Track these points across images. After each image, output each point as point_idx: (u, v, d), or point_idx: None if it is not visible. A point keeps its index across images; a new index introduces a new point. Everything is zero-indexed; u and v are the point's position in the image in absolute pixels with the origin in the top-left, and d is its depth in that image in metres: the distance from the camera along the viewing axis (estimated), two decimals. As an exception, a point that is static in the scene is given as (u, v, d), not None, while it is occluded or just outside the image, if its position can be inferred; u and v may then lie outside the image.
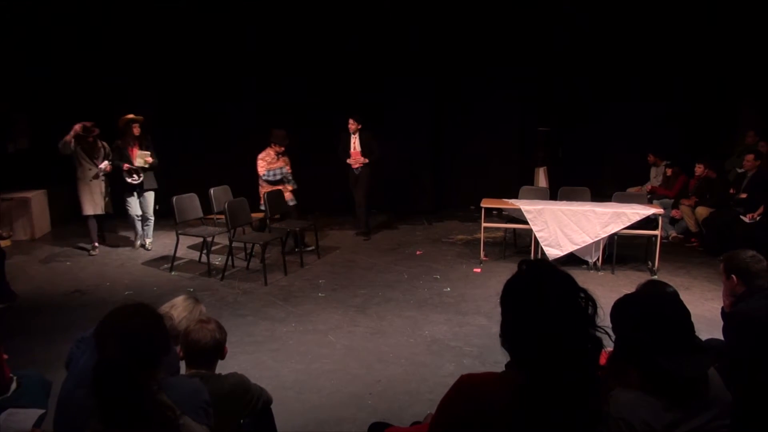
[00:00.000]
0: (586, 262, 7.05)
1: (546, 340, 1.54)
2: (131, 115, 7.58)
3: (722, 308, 3.48)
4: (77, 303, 6.07)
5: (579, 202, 7.34)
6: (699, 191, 8.23)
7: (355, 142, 8.32)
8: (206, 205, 7.56)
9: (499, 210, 7.85)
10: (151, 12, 9.02)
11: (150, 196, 7.82)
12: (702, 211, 7.94)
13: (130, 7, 9.00)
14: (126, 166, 7.49)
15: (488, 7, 9.39)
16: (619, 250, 7.08)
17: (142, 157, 7.54)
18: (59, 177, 8.45)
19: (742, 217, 7.44)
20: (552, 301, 1.58)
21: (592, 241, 6.85)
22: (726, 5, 8.69)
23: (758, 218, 7.31)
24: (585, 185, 7.93)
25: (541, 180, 9.74)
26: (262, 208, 7.52)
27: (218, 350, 2.65)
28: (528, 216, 6.96)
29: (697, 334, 2.06)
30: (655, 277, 6.54)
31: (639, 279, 5.43)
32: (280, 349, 4.93)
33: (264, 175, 7.64)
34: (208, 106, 9.65)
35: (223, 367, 2.73)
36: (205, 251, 7.23)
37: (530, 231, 7.03)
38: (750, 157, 7.84)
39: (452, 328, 5.35)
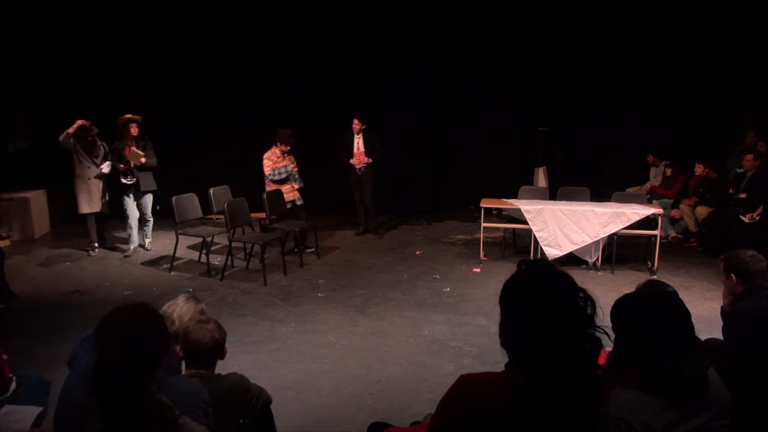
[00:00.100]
0: (586, 262, 7.06)
1: (545, 339, 1.54)
2: (129, 115, 7.53)
3: (722, 308, 3.48)
4: (77, 303, 6.07)
5: (578, 202, 7.34)
6: (699, 191, 8.24)
7: (358, 142, 8.33)
8: (206, 205, 7.56)
9: (499, 210, 7.85)
10: (151, 12, 9.02)
11: (148, 198, 7.76)
12: (702, 211, 7.95)
13: (130, 7, 9.00)
14: (121, 166, 7.45)
15: (488, 7, 9.39)
16: (619, 250, 7.09)
17: (134, 158, 7.45)
18: (58, 177, 8.45)
19: (741, 217, 7.45)
20: (551, 300, 1.58)
21: (591, 241, 6.85)
22: (726, 5, 8.69)
23: (758, 218, 7.31)
24: (584, 185, 7.93)
25: (541, 180, 9.74)
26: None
27: (218, 350, 2.65)
28: (527, 216, 6.96)
29: (696, 334, 2.06)
30: (655, 277, 6.54)
31: (638, 279, 5.43)
32: (280, 349, 4.93)
33: (269, 174, 7.63)
34: (208, 106, 9.66)
35: (222, 367, 2.73)
36: (204, 251, 7.23)
37: (530, 231, 7.03)
38: (749, 157, 7.84)
39: (452, 328, 5.35)
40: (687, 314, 2.01)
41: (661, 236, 6.99)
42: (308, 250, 7.77)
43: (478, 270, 7.09)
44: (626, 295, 2.15)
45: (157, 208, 8.35)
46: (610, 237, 6.90)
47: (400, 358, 4.77)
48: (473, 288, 6.44)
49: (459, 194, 10.27)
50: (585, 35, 9.40)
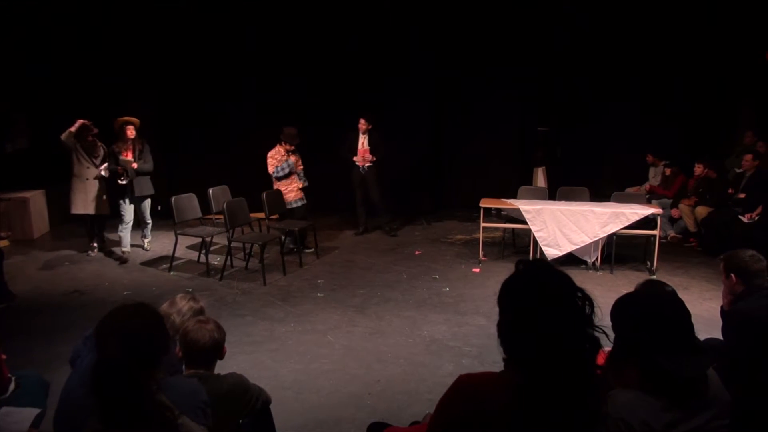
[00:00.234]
0: (585, 262, 7.06)
1: (544, 339, 1.55)
2: (125, 117, 7.44)
3: (721, 307, 3.49)
4: (76, 303, 6.07)
5: (578, 202, 7.34)
6: (698, 191, 8.24)
7: (363, 142, 8.37)
8: (205, 205, 7.55)
9: (498, 210, 7.86)
10: (151, 12, 9.01)
11: (146, 203, 7.71)
12: (701, 211, 7.95)
13: (130, 7, 8.99)
14: (119, 168, 7.35)
15: (488, 7, 9.40)
16: (618, 250, 7.09)
17: (125, 164, 7.35)
18: (58, 177, 8.44)
19: (740, 217, 7.45)
20: (549, 300, 1.58)
21: (590, 240, 6.85)
22: (726, 5, 8.69)
23: (757, 218, 7.31)
24: (584, 185, 7.93)
25: (540, 180, 9.75)
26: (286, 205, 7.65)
27: (217, 350, 2.65)
28: (527, 216, 6.96)
29: (695, 333, 2.06)
30: (654, 276, 6.54)
31: (638, 279, 5.43)
32: (279, 349, 4.93)
33: (274, 172, 7.62)
34: (207, 106, 9.66)
35: (221, 367, 2.73)
36: (203, 251, 7.23)
37: (529, 231, 7.03)
38: (749, 157, 7.85)
39: (451, 328, 5.35)
40: (687, 314, 2.01)
41: (660, 236, 6.99)
42: (308, 250, 7.77)
43: (478, 270, 7.09)
44: (626, 295, 2.15)
45: (159, 208, 8.34)
46: (610, 237, 6.90)
47: (399, 358, 4.77)
48: (472, 288, 6.44)
49: (459, 194, 10.27)
50: (585, 35, 9.40)
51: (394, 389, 4.27)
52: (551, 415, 1.53)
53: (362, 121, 8.29)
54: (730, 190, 8.05)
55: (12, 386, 2.95)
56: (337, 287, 6.50)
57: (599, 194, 8.10)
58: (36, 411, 2.83)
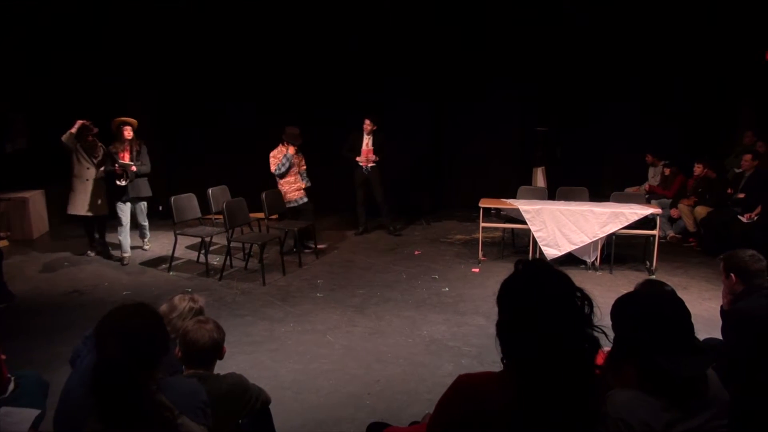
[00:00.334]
0: (585, 262, 7.06)
1: (543, 339, 1.55)
2: (122, 118, 7.32)
3: (721, 307, 3.49)
4: (75, 303, 6.06)
5: (577, 202, 7.34)
6: (698, 191, 8.24)
7: (368, 142, 8.38)
8: (204, 205, 7.55)
9: (498, 210, 7.86)
10: (150, 12, 9.00)
11: (143, 205, 7.63)
12: (701, 211, 7.95)
13: (130, 7, 8.98)
14: (117, 168, 7.21)
15: (488, 7, 9.40)
16: (617, 250, 7.09)
17: (124, 167, 7.23)
18: (57, 177, 8.43)
19: (739, 217, 7.46)
20: (548, 300, 1.58)
21: (590, 240, 6.85)
22: (726, 5, 8.69)
23: (756, 218, 7.32)
24: (583, 185, 7.93)
25: (539, 180, 9.74)
26: (287, 205, 7.65)
27: (216, 350, 2.65)
28: (526, 216, 6.96)
29: (695, 333, 2.06)
30: (653, 276, 6.55)
31: (637, 279, 5.43)
32: (279, 349, 4.93)
33: (276, 170, 7.58)
34: (207, 106, 9.65)
35: (221, 367, 2.73)
36: (203, 251, 7.23)
37: (528, 231, 7.03)
38: (748, 157, 7.85)
39: (450, 328, 5.35)
40: (687, 314, 2.01)
41: (659, 236, 7.00)
42: (307, 251, 7.77)
43: (477, 270, 7.09)
44: (626, 295, 2.15)
45: (160, 208, 8.32)
46: (609, 237, 6.90)
47: (398, 358, 4.77)
48: (472, 288, 6.44)
49: (458, 194, 10.27)
50: (585, 35, 9.40)
51: (393, 389, 4.27)
52: (551, 415, 1.53)
53: (367, 121, 8.31)
54: (729, 190, 8.06)
55: (11, 386, 2.95)
56: (336, 287, 6.50)
57: (599, 194, 8.10)
58: (36, 412, 2.83)
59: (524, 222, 7.00)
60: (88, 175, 7.27)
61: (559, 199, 7.66)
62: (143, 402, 1.90)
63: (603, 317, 1.72)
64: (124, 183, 7.29)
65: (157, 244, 8.13)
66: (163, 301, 3.08)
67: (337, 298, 6.15)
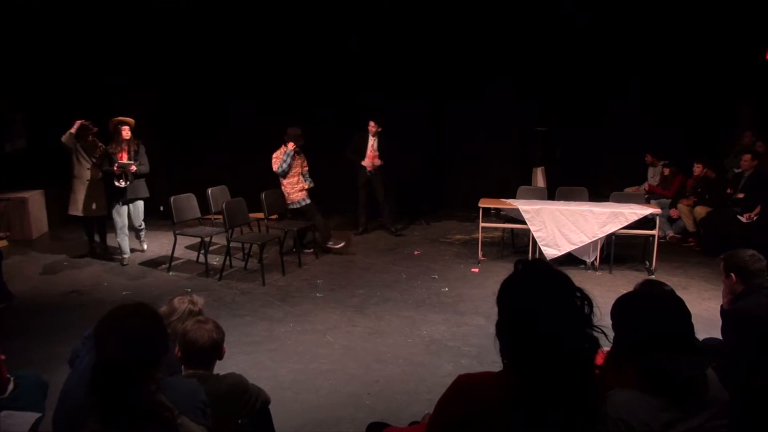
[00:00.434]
0: (584, 262, 7.06)
1: (543, 339, 1.55)
2: (120, 117, 7.19)
3: (721, 306, 3.49)
4: (75, 303, 6.06)
5: (577, 202, 7.35)
6: (697, 191, 8.25)
7: (373, 144, 8.40)
8: (204, 205, 7.55)
9: (497, 210, 7.86)
10: (150, 12, 9.00)
11: (140, 205, 7.44)
12: (701, 211, 7.96)
13: (130, 7, 8.98)
14: (115, 169, 7.04)
15: (488, 7, 9.40)
16: (617, 250, 7.09)
17: (124, 168, 7.09)
18: (56, 177, 8.43)
19: (739, 216, 7.46)
20: (548, 300, 1.58)
21: (589, 240, 6.85)
22: (726, 5, 8.70)
23: (755, 218, 7.32)
24: (583, 185, 7.94)
25: (539, 180, 9.75)
26: (291, 206, 7.63)
27: (216, 350, 2.65)
28: (526, 216, 6.96)
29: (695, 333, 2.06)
30: (653, 276, 6.55)
31: (637, 279, 5.43)
32: (278, 349, 4.93)
33: (278, 169, 7.51)
34: (206, 106, 9.65)
35: (221, 368, 2.73)
36: (202, 251, 7.23)
37: (528, 231, 7.03)
38: (747, 157, 7.85)
39: (450, 328, 5.35)
40: (687, 314, 2.01)
41: (659, 236, 7.00)
42: (307, 251, 7.77)
43: (477, 270, 7.09)
44: (626, 294, 2.15)
45: (161, 209, 8.30)
46: (608, 237, 6.91)
47: (398, 358, 4.77)
48: (471, 288, 6.44)
49: (458, 194, 10.27)
50: (585, 35, 9.40)
51: (393, 389, 4.27)
52: (551, 415, 1.53)
53: (372, 123, 8.33)
54: (728, 190, 8.06)
55: (10, 386, 2.95)
56: (336, 287, 6.50)
57: (598, 194, 8.10)
58: (36, 415, 2.84)
59: (524, 222, 7.00)
60: (88, 175, 7.25)
61: (559, 199, 7.66)
62: (143, 402, 1.90)
63: (603, 317, 1.72)
64: (123, 184, 7.15)
65: (157, 244, 8.13)
66: (163, 301, 3.08)
67: (337, 298, 6.15)
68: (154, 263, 7.42)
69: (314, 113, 9.18)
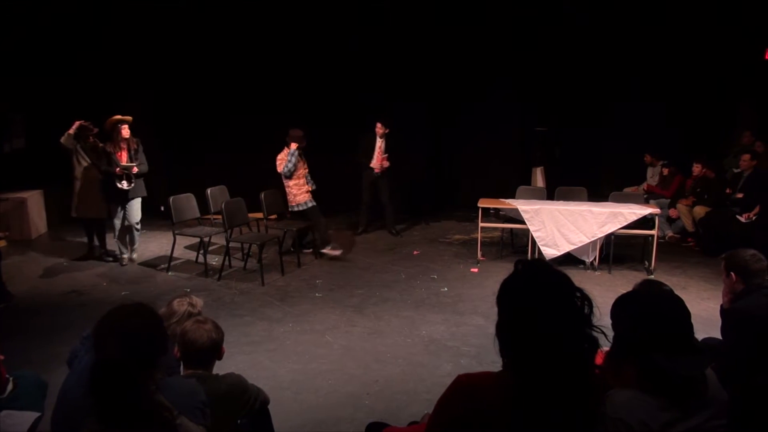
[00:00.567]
0: (583, 262, 7.06)
1: (543, 339, 1.55)
2: (119, 116, 7.05)
3: (721, 306, 3.49)
4: (74, 303, 6.06)
5: (576, 202, 7.35)
6: (696, 191, 8.25)
7: (380, 145, 8.42)
8: (203, 205, 7.54)
9: (497, 210, 7.87)
10: (150, 12, 8.99)
11: (137, 204, 7.19)
12: (699, 211, 7.96)
13: (129, 7, 8.97)
14: (118, 170, 6.92)
15: (488, 7, 9.40)
16: (616, 250, 7.09)
17: (126, 169, 6.95)
18: (56, 177, 8.42)
19: (738, 216, 7.46)
20: (548, 300, 1.58)
21: (589, 240, 6.86)
22: (726, 5, 8.70)
23: (754, 218, 7.33)
24: (582, 185, 7.94)
25: (538, 180, 9.75)
26: (296, 208, 7.52)
27: (215, 350, 2.65)
28: (525, 216, 6.96)
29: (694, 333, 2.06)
30: (652, 276, 6.55)
31: (636, 279, 5.42)
32: (278, 350, 4.93)
33: (284, 170, 7.42)
34: (206, 106, 9.64)
35: (220, 368, 2.73)
36: (202, 251, 7.22)
37: (527, 231, 7.03)
38: (746, 157, 7.86)
39: (449, 328, 5.35)
40: (687, 314, 2.01)
41: (658, 236, 7.00)
42: (306, 251, 7.76)
43: (476, 270, 7.09)
44: (626, 294, 2.15)
45: (162, 209, 8.28)
46: (608, 237, 6.91)
47: (397, 358, 4.77)
48: (471, 288, 6.44)
49: (458, 194, 10.27)
50: (585, 35, 9.40)
51: (392, 389, 4.27)
52: (550, 415, 1.53)
53: (379, 125, 8.36)
54: (728, 190, 8.07)
55: (10, 386, 2.95)
56: (335, 287, 6.49)
57: (597, 194, 8.11)
58: (35, 415, 2.84)
59: (523, 222, 7.01)
60: (88, 177, 7.17)
61: (558, 199, 7.67)
62: (142, 402, 1.90)
63: (602, 317, 1.72)
64: (127, 186, 6.98)
65: (156, 244, 8.12)
66: (162, 301, 3.08)
67: (336, 298, 6.14)
68: (153, 263, 7.41)
69: (314, 113, 9.17)
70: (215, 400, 2.37)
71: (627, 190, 9.01)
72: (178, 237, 7.19)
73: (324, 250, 7.64)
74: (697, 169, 8.27)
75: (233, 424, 2.69)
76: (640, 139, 9.61)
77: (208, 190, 7.61)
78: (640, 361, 1.91)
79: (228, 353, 2.89)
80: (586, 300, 1.62)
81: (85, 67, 9.13)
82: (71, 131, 6.95)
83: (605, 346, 1.82)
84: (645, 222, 6.90)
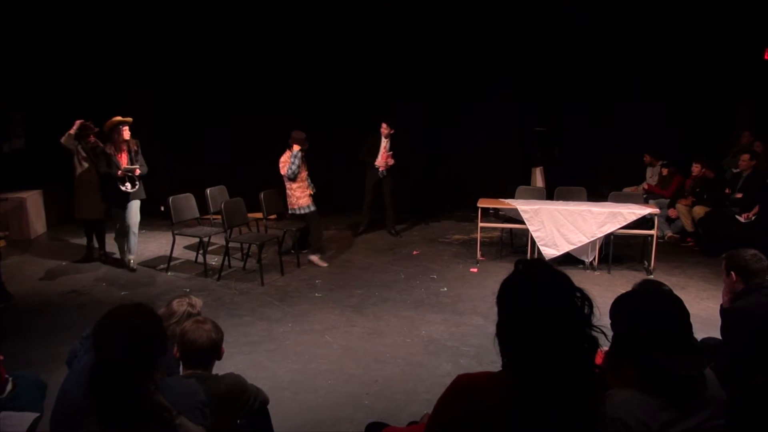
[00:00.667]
0: (583, 262, 7.07)
1: (542, 339, 1.55)
2: (119, 117, 6.94)
3: (721, 305, 3.50)
4: (74, 303, 6.06)
5: (575, 202, 7.35)
6: (695, 191, 8.25)
7: (386, 145, 8.45)
8: (203, 205, 7.54)
9: (496, 210, 7.87)
10: (150, 12, 8.99)
11: (135, 206, 7.04)
12: (699, 211, 7.96)
13: (129, 8, 8.97)
14: (120, 172, 6.80)
15: (488, 7, 9.40)
16: (616, 250, 7.09)
17: (128, 171, 6.84)
18: (55, 177, 8.41)
19: (737, 216, 7.47)
20: (548, 300, 1.58)
21: (588, 240, 6.86)
22: (725, 5, 8.71)
23: (753, 218, 7.33)
24: (581, 185, 7.94)
25: (538, 180, 9.75)
26: (297, 212, 7.35)
27: (215, 350, 2.65)
28: (524, 216, 6.96)
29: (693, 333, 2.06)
30: (651, 276, 6.55)
31: (635, 279, 5.42)
32: (277, 350, 4.93)
33: (287, 172, 7.30)
34: (205, 106, 9.64)
35: (219, 368, 2.73)
36: (201, 251, 7.21)
37: (527, 231, 7.03)
38: (745, 157, 7.86)
39: (449, 328, 5.35)
40: (686, 313, 2.02)
41: (657, 236, 7.01)
42: (304, 251, 7.74)
43: (475, 270, 7.09)
44: (625, 294, 2.15)
45: (162, 209, 8.28)
46: (607, 237, 6.91)
47: (397, 358, 4.77)
48: (470, 288, 6.44)
49: (457, 194, 10.26)
50: (585, 35, 9.40)
51: (392, 389, 4.27)
52: (550, 415, 1.53)
53: (384, 125, 8.38)
54: (727, 190, 8.07)
55: (9, 386, 2.95)
56: (334, 287, 6.49)
57: (597, 194, 8.11)
58: (34, 415, 2.84)
59: (523, 222, 7.01)
60: (89, 177, 7.13)
61: (558, 199, 7.67)
62: (141, 402, 1.90)
63: (601, 317, 1.72)
64: (130, 188, 6.89)
65: (156, 244, 8.12)
66: (162, 301, 3.08)
67: (336, 298, 6.14)
68: (152, 263, 7.41)
69: (313, 113, 9.18)
70: (215, 400, 2.37)
71: (626, 190, 9.01)
72: (177, 237, 7.19)
73: (312, 257, 7.44)
74: (696, 169, 8.27)
75: (233, 424, 2.69)
76: (639, 139, 9.61)
77: (208, 190, 7.61)
78: (640, 361, 1.91)
79: (227, 353, 2.89)
80: (585, 300, 1.62)
81: (85, 67, 9.12)
82: (72, 131, 6.91)
83: (605, 346, 1.82)
84: (644, 222, 6.90)
